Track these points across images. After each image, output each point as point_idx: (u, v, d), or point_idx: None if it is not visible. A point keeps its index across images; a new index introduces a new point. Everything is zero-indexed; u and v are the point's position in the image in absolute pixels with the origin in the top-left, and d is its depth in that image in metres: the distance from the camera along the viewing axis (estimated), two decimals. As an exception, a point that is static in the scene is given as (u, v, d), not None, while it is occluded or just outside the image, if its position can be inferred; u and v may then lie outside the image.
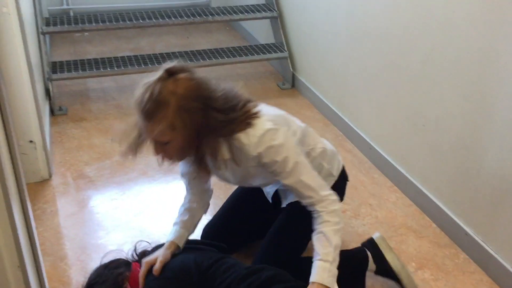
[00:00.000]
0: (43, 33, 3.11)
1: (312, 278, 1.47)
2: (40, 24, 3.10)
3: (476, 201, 1.94)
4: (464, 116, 1.93)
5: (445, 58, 1.98)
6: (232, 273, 1.53)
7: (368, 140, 2.65)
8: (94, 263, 1.94)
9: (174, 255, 1.62)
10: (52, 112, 3.06)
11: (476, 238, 1.96)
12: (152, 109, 1.37)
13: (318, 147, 1.76)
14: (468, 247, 2.01)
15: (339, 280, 1.51)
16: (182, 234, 1.69)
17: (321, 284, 1.45)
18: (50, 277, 1.86)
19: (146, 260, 1.60)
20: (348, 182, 1.92)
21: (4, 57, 2.14)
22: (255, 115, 1.50)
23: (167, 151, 1.47)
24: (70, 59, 3.35)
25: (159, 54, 3.43)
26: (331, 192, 1.59)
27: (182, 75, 1.41)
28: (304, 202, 1.58)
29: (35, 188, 2.39)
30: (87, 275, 1.64)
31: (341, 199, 1.79)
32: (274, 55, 3.52)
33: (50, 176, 2.47)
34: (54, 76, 3.09)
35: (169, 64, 1.42)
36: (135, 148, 1.52)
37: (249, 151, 1.49)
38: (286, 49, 3.51)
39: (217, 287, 1.51)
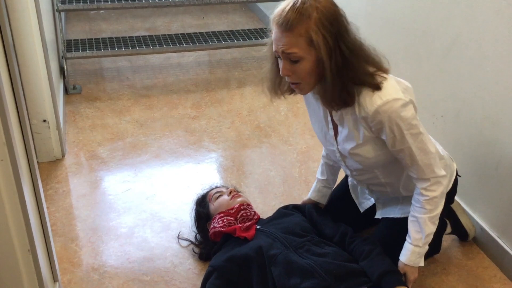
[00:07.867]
0: (59, 11, 3.08)
1: (401, 258, 1.65)
2: (56, 1, 3.07)
3: (493, 197, 1.90)
4: (485, 109, 1.88)
5: (467, 49, 1.93)
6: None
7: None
8: (105, 245, 1.95)
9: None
10: (66, 90, 3.05)
11: (492, 234, 1.92)
12: (292, 18, 1.34)
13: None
14: (483, 243, 1.97)
15: None
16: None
17: (408, 265, 1.63)
18: (61, 258, 1.87)
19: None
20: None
21: (19, 35, 2.12)
22: (383, 77, 1.45)
23: (296, 71, 1.43)
24: (85, 37, 3.33)
25: (174, 34, 3.39)
26: (443, 173, 1.56)
27: None
28: (414, 175, 1.55)
29: (48, 167, 2.39)
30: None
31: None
32: (290, 39, 3.45)
33: (63, 155, 2.47)
34: (69, 54, 3.06)
35: None
36: (274, 86, 1.57)
37: (367, 111, 1.44)
38: (303, 33, 3.45)
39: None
